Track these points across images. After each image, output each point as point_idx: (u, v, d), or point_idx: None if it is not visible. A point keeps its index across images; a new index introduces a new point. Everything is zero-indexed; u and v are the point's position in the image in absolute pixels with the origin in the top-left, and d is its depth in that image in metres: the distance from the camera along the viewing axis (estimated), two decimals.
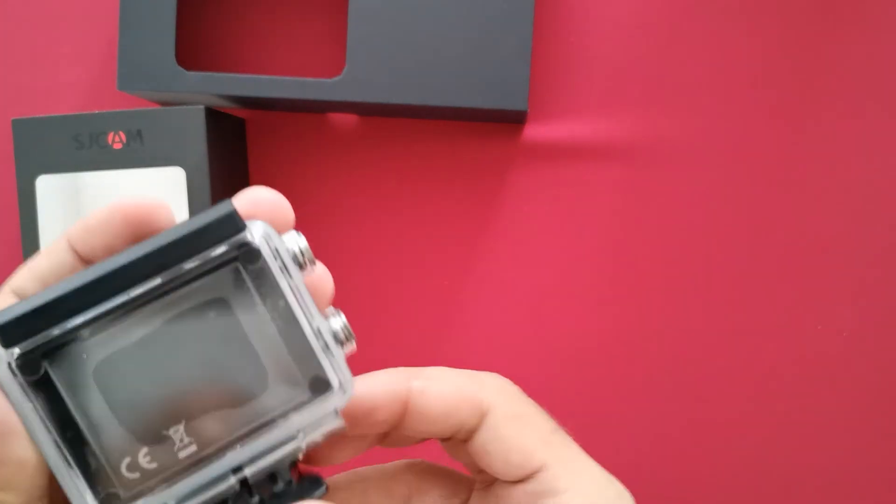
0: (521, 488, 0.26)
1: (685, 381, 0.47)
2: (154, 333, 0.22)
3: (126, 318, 0.22)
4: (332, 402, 0.23)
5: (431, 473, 0.30)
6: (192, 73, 0.44)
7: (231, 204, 0.22)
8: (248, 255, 0.22)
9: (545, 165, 0.47)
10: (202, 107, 0.43)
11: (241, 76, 0.44)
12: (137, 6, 0.44)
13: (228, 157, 0.46)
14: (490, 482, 0.28)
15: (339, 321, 0.24)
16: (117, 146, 0.43)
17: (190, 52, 0.47)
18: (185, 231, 0.22)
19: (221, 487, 0.23)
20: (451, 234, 0.48)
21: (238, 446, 0.23)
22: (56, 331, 0.21)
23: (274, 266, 0.22)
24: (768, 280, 0.46)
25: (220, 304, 0.22)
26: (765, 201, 0.46)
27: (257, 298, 0.22)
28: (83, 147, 0.43)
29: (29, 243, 0.44)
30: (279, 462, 0.23)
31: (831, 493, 0.46)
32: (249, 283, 0.22)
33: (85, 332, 0.21)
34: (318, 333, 0.23)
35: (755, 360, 0.46)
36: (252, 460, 0.23)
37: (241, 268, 0.22)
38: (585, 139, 0.47)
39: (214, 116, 0.44)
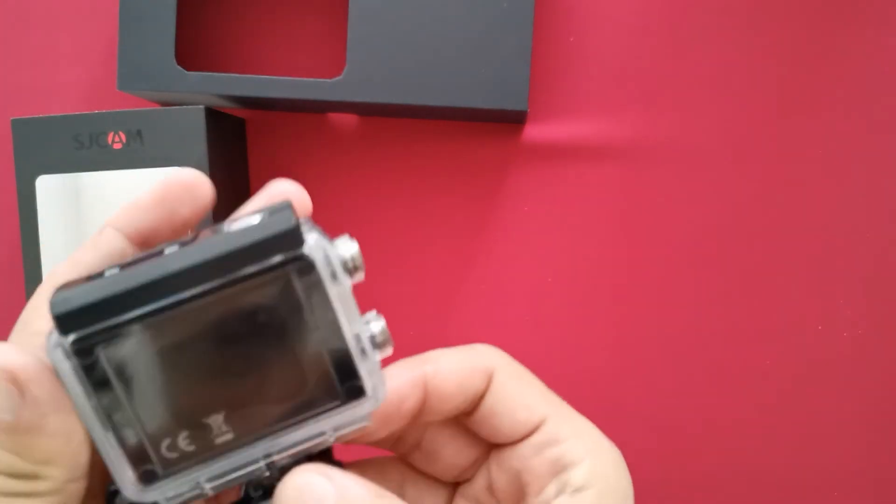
0: (524, 444, 0.27)
1: (685, 381, 0.47)
2: (203, 331, 0.23)
3: (178, 314, 0.22)
4: (365, 407, 0.24)
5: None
6: (192, 73, 0.44)
7: (294, 217, 0.23)
8: (304, 268, 0.23)
9: (545, 165, 0.47)
10: (202, 107, 0.43)
11: (241, 76, 0.44)
12: (137, 6, 0.44)
13: (228, 157, 0.46)
14: (482, 459, 0.29)
15: (378, 325, 0.24)
16: (117, 146, 0.43)
17: (190, 52, 0.47)
18: (246, 240, 0.22)
19: (251, 469, 0.24)
20: (451, 233, 0.48)
21: (271, 438, 0.24)
22: (111, 322, 0.22)
23: (326, 278, 0.23)
24: (768, 279, 0.46)
25: (269, 309, 0.23)
26: (765, 201, 0.46)
27: (305, 307, 0.23)
28: (83, 147, 0.43)
29: (29, 243, 0.44)
30: (306, 451, 0.25)
31: (831, 492, 0.46)
32: (300, 293, 0.23)
33: (138, 325, 0.22)
34: (358, 339, 0.24)
35: (755, 359, 0.46)
36: (282, 450, 0.24)
37: (293, 277, 0.23)
38: (585, 139, 0.47)
39: (214, 116, 0.44)
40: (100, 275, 0.23)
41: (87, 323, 0.22)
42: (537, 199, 0.47)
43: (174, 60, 0.44)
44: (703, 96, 0.46)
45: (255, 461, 0.24)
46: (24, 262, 0.44)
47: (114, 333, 0.22)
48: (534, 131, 0.47)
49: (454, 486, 0.30)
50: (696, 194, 0.47)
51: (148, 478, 0.23)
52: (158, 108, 0.44)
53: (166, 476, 0.23)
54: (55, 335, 0.22)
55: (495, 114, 0.45)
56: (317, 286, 0.23)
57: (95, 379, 0.22)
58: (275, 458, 0.24)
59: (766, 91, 0.46)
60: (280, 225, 0.22)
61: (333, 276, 0.23)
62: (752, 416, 0.47)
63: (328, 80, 0.44)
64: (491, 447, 0.29)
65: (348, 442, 0.27)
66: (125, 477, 0.23)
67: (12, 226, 0.48)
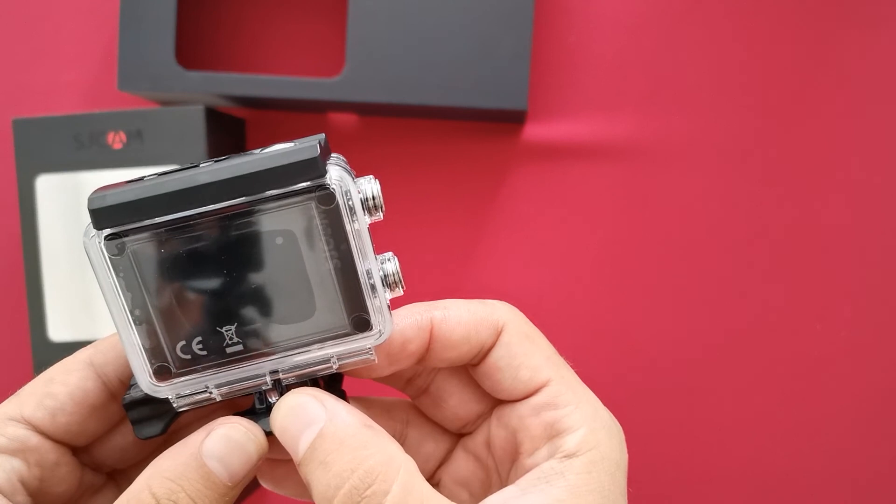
0: (523, 403, 0.28)
1: (684, 380, 0.47)
2: (226, 244, 0.24)
3: (203, 225, 0.24)
4: (369, 340, 0.26)
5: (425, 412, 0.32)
6: (192, 73, 0.44)
7: (317, 149, 0.24)
8: (324, 198, 0.24)
9: (545, 165, 0.47)
10: (202, 107, 0.43)
11: (241, 76, 0.44)
12: (137, 6, 0.44)
13: None
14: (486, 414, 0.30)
15: (391, 266, 0.26)
16: (117, 146, 0.43)
17: (190, 52, 0.47)
18: (272, 164, 0.24)
19: (257, 383, 0.26)
20: (451, 233, 0.48)
21: (277, 356, 0.26)
22: (141, 223, 0.24)
23: (344, 210, 0.24)
24: (768, 279, 0.46)
25: (288, 234, 0.24)
26: (764, 200, 0.46)
27: (322, 236, 0.25)
28: (83, 147, 0.43)
29: (29, 243, 0.44)
30: (312, 374, 0.26)
31: (830, 491, 0.46)
32: (318, 222, 0.24)
33: (165, 230, 0.24)
34: (370, 275, 0.25)
35: (754, 358, 0.46)
36: (288, 370, 0.26)
37: (314, 206, 0.24)
38: (585, 139, 0.47)
39: (214, 116, 0.44)
40: (139, 179, 0.24)
41: (120, 221, 0.24)
42: (537, 198, 0.47)
43: (174, 60, 0.44)
44: (702, 96, 0.46)
45: (262, 376, 0.26)
46: (24, 262, 0.44)
47: (143, 234, 0.24)
48: (533, 131, 0.47)
49: (457, 437, 0.31)
50: (696, 193, 0.47)
51: (162, 374, 0.25)
52: (158, 108, 0.44)
53: (179, 375, 0.25)
54: (90, 228, 0.24)
55: (495, 114, 0.45)
56: (335, 217, 0.24)
57: (124, 274, 0.24)
58: (280, 376, 0.26)
59: (765, 91, 0.46)
60: (305, 153, 0.24)
61: (352, 210, 0.24)
62: (750, 414, 0.47)
63: (328, 80, 0.44)
64: (495, 404, 0.29)
65: (354, 374, 0.28)
66: (141, 370, 0.25)
67: (12, 226, 0.48)
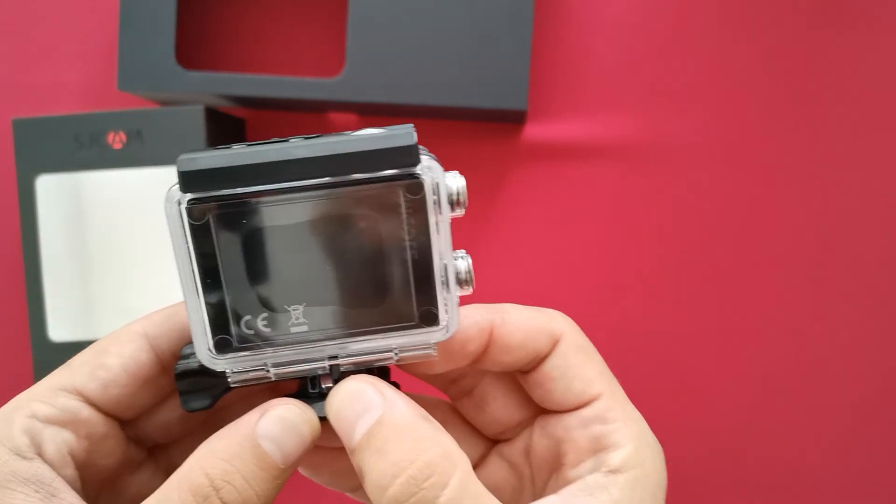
0: (572, 415, 0.28)
1: (683, 380, 0.47)
2: (306, 222, 0.24)
3: (288, 201, 0.24)
4: (435, 335, 0.26)
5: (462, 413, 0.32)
6: (192, 73, 0.44)
7: (414, 135, 0.24)
8: (413, 186, 0.24)
9: (545, 165, 0.47)
10: (202, 107, 0.43)
11: (241, 76, 0.44)
12: (137, 6, 0.44)
13: None
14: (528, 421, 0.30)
15: (465, 263, 0.26)
16: (117, 146, 0.43)
17: (190, 51, 0.47)
18: (366, 147, 0.23)
19: (315, 366, 0.26)
20: (451, 233, 0.48)
21: (340, 340, 0.25)
22: (228, 191, 0.23)
23: (430, 202, 0.24)
24: (767, 279, 0.46)
25: (371, 218, 0.24)
26: (764, 201, 0.46)
27: (405, 225, 0.24)
28: (83, 147, 0.43)
29: (29, 243, 0.44)
30: (370, 363, 0.26)
31: (830, 491, 0.46)
32: (403, 210, 0.24)
33: (251, 201, 0.24)
34: (444, 270, 0.25)
35: (753, 358, 0.46)
36: (347, 356, 0.26)
37: (402, 194, 0.24)
38: (585, 139, 0.47)
39: (214, 116, 0.44)
40: (227, 146, 0.24)
41: (207, 186, 0.23)
42: (537, 198, 0.47)
43: (174, 60, 0.44)
44: (701, 96, 0.46)
45: (321, 359, 0.25)
46: (24, 262, 0.44)
47: (227, 202, 0.23)
48: (534, 131, 0.47)
49: (492, 443, 0.31)
50: (695, 193, 0.47)
51: (222, 346, 0.25)
52: (158, 108, 0.44)
53: (239, 349, 0.25)
54: (176, 190, 0.23)
55: (495, 114, 0.45)
56: (420, 208, 0.24)
57: (200, 241, 0.24)
58: (339, 361, 0.26)
59: (764, 91, 0.46)
60: (403, 140, 0.24)
61: (437, 202, 0.25)
62: (749, 415, 0.47)
63: (328, 80, 0.44)
64: (538, 413, 0.29)
65: (406, 369, 0.28)
66: (202, 341, 0.25)
67: (12, 226, 0.48)
